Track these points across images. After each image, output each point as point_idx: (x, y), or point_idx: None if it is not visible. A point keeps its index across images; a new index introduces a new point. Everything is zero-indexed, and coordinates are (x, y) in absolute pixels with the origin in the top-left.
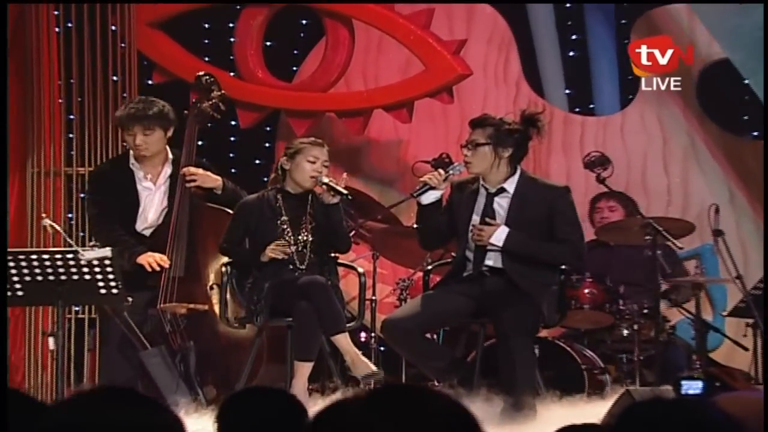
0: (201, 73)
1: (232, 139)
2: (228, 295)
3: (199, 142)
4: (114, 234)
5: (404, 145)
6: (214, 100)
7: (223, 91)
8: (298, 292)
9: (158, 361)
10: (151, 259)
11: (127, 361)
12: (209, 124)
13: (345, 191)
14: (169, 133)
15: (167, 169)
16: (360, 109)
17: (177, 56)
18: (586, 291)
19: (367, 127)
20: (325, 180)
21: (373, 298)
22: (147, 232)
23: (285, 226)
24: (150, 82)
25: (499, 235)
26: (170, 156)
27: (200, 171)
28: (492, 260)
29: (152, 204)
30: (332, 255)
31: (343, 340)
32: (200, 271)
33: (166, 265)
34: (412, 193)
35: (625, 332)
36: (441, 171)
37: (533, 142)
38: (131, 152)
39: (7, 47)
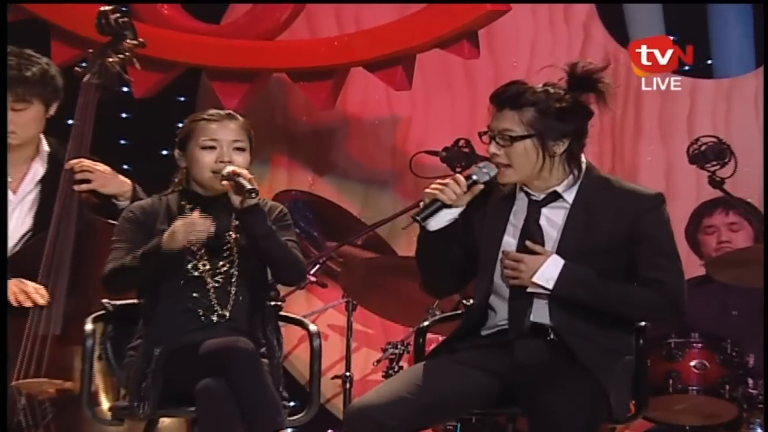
0: (107, 7)
1: (123, 116)
2: (97, 370)
3: (69, 121)
4: None
5: (401, 125)
6: (126, 54)
7: (141, 40)
8: (206, 363)
9: None
10: (16, 289)
11: None
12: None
13: (251, 186)
14: (52, 111)
15: (37, 169)
16: (329, 68)
17: None
18: (693, 363)
19: (341, 97)
20: (229, 168)
21: (347, 374)
22: None
23: (196, 248)
24: None
25: (548, 271)
26: (45, 147)
27: (99, 166)
28: (536, 312)
29: (8, 224)
30: (271, 303)
31: None
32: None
33: (43, 301)
34: (414, 217)
35: (759, 431)
36: (460, 178)
37: (597, 119)
38: None
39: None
